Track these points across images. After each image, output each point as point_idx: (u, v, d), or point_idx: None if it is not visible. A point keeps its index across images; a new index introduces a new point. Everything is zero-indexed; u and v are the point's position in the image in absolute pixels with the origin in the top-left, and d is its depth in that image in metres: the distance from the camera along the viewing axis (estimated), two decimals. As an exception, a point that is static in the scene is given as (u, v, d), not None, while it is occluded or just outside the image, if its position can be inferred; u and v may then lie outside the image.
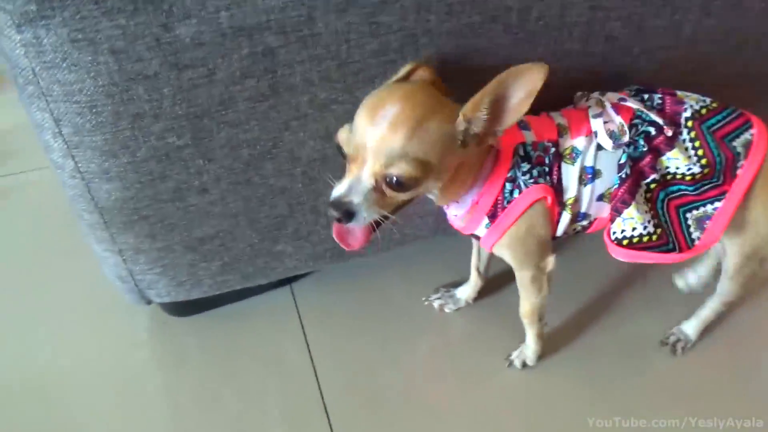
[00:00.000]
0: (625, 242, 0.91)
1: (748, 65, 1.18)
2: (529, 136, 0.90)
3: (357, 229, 0.82)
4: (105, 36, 0.74)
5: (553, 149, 0.89)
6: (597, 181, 0.91)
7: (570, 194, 0.91)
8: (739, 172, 0.90)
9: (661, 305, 1.24)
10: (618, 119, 0.89)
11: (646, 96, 0.93)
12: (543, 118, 0.93)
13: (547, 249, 0.98)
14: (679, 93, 0.93)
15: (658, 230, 0.91)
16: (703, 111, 0.91)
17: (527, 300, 1.05)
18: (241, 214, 1.00)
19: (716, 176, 0.90)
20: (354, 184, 0.77)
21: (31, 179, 1.65)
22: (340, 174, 0.82)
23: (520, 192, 0.88)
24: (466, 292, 1.25)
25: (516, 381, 1.12)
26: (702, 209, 0.93)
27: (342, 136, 0.78)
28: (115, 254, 1.01)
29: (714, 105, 0.92)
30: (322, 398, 1.09)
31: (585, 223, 0.97)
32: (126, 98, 0.80)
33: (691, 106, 0.91)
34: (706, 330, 1.17)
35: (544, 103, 0.94)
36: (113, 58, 0.76)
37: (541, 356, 1.13)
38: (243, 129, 0.89)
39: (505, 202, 0.89)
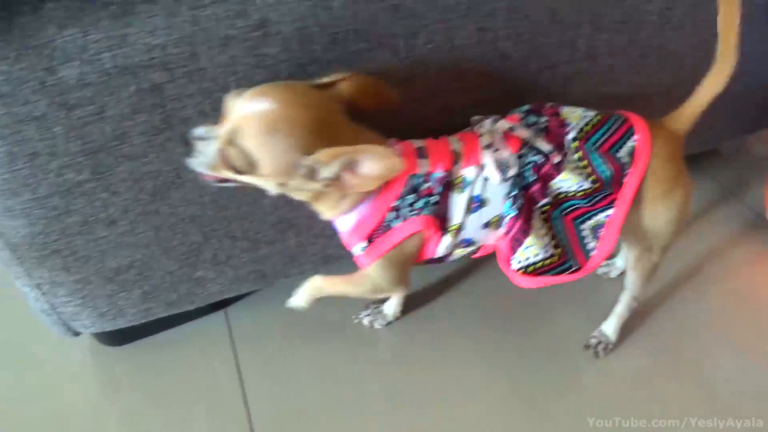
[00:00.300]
0: (530, 269, 0.95)
1: (653, 77, 1.22)
2: (424, 166, 0.92)
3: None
4: (-10, 81, 0.78)
5: (447, 180, 0.92)
6: (483, 210, 0.94)
7: (454, 221, 0.94)
8: (625, 179, 0.94)
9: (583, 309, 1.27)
10: (506, 153, 0.92)
11: (533, 119, 0.96)
12: (441, 143, 0.96)
13: (405, 274, 1.00)
14: (564, 110, 0.96)
15: (558, 250, 0.95)
16: (587, 128, 0.94)
17: (351, 285, 1.04)
18: (153, 243, 1.03)
19: (606, 188, 0.94)
20: (211, 134, 0.82)
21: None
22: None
23: (402, 220, 0.91)
24: (392, 307, 1.28)
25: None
26: (595, 218, 0.96)
27: (231, 95, 0.82)
28: (34, 288, 1.04)
29: (597, 118, 0.95)
30: (251, 423, 1.11)
31: (471, 249, 1.00)
32: (18, 139, 0.83)
33: (575, 127, 0.94)
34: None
35: (448, 124, 0.99)
36: (0, 102, 0.79)
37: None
38: (142, 162, 0.92)
39: (383, 230, 0.92)
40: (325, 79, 0.85)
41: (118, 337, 1.24)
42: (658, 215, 0.99)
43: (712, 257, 1.39)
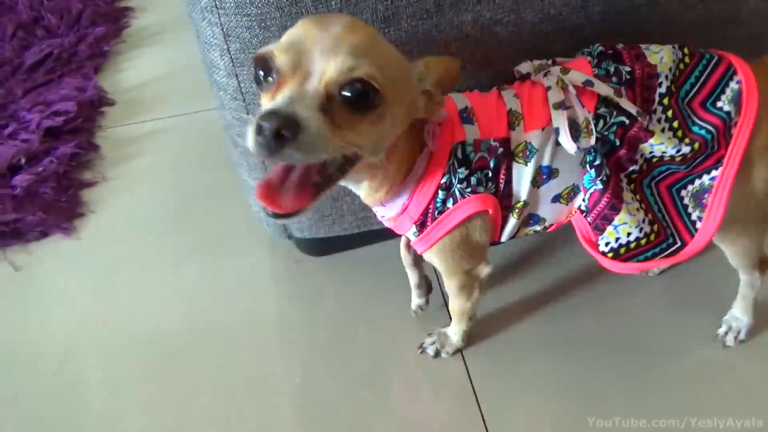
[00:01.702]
0: (622, 250, 0.80)
1: None
2: (472, 133, 0.76)
3: (292, 186, 0.62)
4: (280, -56, 0.74)
5: (500, 149, 0.76)
6: (553, 182, 0.79)
7: (520, 198, 0.79)
8: (734, 131, 0.76)
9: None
10: (583, 114, 0.75)
11: (612, 68, 0.77)
12: (492, 101, 0.79)
13: (481, 257, 0.87)
14: (649, 51, 0.77)
15: (655, 227, 0.79)
16: (677, 74, 0.76)
17: (456, 301, 0.95)
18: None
19: (709, 147, 0.77)
20: (295, 97, 0.58)
21: (169, 125, 1.71)
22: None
23: (454, 202, 0.77)
24: (415, 301, 1.10)
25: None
26: (698, 182, 0.79)
27: (268, 48, 0.62)
28: (264, 183, 1.02)
29: (687, 59, 0.77)
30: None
31: (538, 228, 0.85)
32: (295, 11, 0.79)
33: (666, 76, 0.75)
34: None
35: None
36: (286, -34, 0.75)
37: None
38: (403, 51, 0.86)
39: (437, 213, 0.77)
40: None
41: (321, 247, 1.22)
42: (761, 176, 0.79)
43: None
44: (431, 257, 0.85)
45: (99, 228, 1.37)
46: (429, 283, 1.10)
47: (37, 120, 1.53)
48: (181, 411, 1.01)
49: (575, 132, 0.74)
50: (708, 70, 0.76)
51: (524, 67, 0.82)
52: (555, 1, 0.85)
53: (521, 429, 0.95)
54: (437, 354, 1.03)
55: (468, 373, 1.02)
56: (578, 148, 0.75)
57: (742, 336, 1.02)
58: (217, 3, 0.79)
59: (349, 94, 0.59)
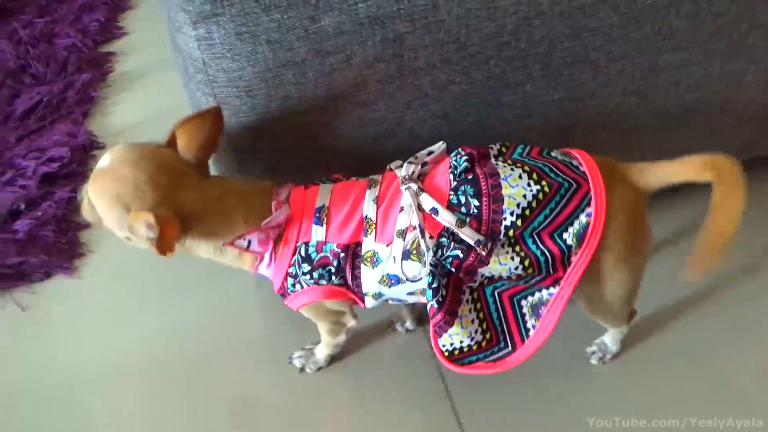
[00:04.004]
0: (456, 352, 0.88)
1: None
2: (318, 234, 0.87)
3: None
4: (263, 29, 0.87)
5: (342, 254, 0.86)
6: (402, 285, 0.87)
7: (369, 290, 0.89)
8: (574, 259, 0.82)
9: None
10: (422, 245, 0.82)
11: (464, 198, 0.82)
12: (353, 201, 0.88)
13: (344, 313, 1.00)
14: (506, 181, 0.81)
15: (488, 335, 0.88)
16: (528, 212, 0.80)
17: (324, 340, 1.08)
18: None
19: (543, 271, 0.83)
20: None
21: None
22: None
23: (302, 287, 0.90)
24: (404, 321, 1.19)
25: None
26: (537, 295, 0.86)
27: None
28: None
29: (544, 192, 0.80)
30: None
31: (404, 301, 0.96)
32: (277, 83, 0.92)
33: (513, 212, 0.80)
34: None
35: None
36: (269, 48, 0.88)
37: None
38: (371, 109, 1.00)
39: (289, 290, 0.91)
40: (166, 138, 0.89)
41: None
42: (614, 283, 0.87)
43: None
44: (302, 312, 0.98)
45: (99, 266, 1.47)
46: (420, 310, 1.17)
47: (33, 167, 1.63)
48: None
49: (420, 253, 0.83)
50: (563, 202, 0.80)
51: (397, 168, 0.90)
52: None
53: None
54: (302, 368, 1.14)
55: (444, 383, 1.12)
56: (407, 279, 0.84)
57: (607, 359, 1.09)
58: (211, 78, 0.92)
59: None
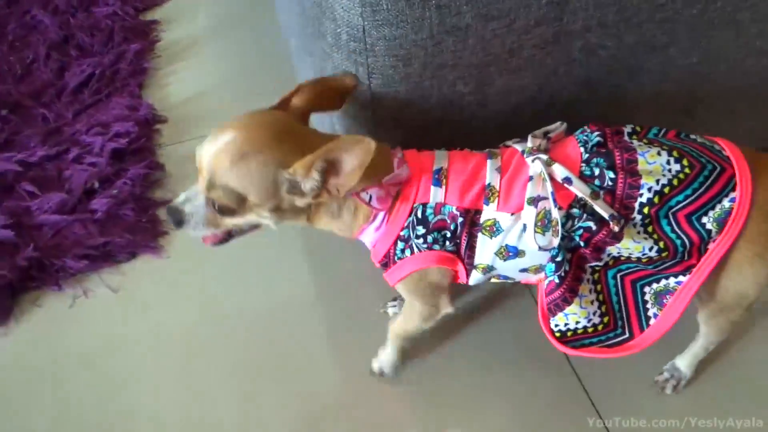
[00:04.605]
0: (569, 334, 0.85)
1: None
2: (437, 196, 0.82)
3: (211, 235, 0.86)
4: (433, -8, 0.83)
5: (461, 219, 0.81)
6: (519, 259, 0.83)
7: (483, 262, 0.84)
8: (711, 246, 0.79)
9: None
10: (555, 214, 0.77)
11: (598, 171, 0.79)
12: (473, 168, 0.83)
13: (444, 293, 0.93)
14: (643, 158, 0.77)
15: (606, 318, 0.84)
16: (667, 189, 0.76)
17: (405, 324, 1.01)
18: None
19: (678, 256, 0.79)
20: (192, 195, 0.82)
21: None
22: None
23: (411, 252, 0.84)
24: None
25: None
26: (663, 282, 0.83)
27: (198, 147, 0.81)
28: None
29: (685, 173, 0.76)
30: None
31: (508, 281, 0.92)
32: (436, 51, 0.88)
33: (651, 188, 0.76)
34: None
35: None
36: (437, 13, 0.84)
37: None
38: (519, 76, 0.96)
39: (396, 258, 0.86)
40: (285, 96, 0.85)
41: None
42: (744, 278, 0.82)
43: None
44: (399, 288, 0.93)
45: (184, 245, 1.43)
46: None
47: (101, 143, 1.56)
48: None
49: (545, 225, 0.78)
50: (707, 184, 0.76)
51: (515, 143, 0.87)
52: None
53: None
54: (381, 373, 1.11)
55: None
56: (539, 247, 0.79)
57: (681, 387, 1.04)
58: (368, 46, 0.87)
59: (213, 204, 0.81)
